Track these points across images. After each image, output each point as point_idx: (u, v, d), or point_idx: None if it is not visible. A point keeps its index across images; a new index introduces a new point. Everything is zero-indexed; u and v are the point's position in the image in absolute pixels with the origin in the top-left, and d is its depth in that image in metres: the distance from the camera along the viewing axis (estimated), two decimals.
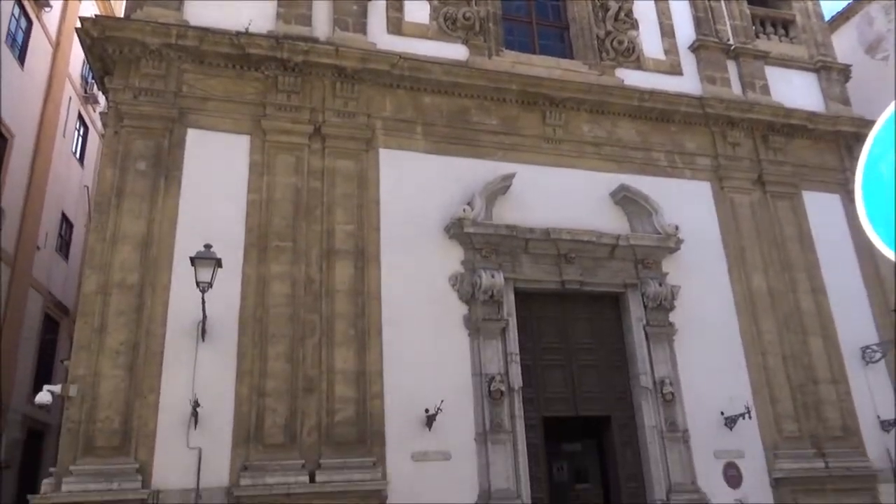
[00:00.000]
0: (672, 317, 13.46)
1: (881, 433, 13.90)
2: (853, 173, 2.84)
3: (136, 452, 10.15)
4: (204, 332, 10.91)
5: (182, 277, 10.95)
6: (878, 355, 14.39)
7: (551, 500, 12.54)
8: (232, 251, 11.35)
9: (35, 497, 9.69)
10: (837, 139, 16.31)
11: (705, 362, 13.33)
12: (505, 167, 13.33)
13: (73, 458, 9.89)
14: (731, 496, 12.68)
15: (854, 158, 15.42)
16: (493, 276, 12.29)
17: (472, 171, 13.15)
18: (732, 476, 12.79)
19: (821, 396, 13.79)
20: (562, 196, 13.64)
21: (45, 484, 9.81)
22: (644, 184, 14.21)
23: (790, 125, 15.83)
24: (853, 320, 14.70)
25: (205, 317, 10.77)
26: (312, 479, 10.57)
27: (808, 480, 13.01)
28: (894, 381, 14.43)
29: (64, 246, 20.35)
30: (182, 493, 10.13)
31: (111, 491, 9.72)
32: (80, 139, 22.11)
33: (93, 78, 17.07)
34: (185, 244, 11.13)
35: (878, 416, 13.98)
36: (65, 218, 20.31)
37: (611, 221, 13.86)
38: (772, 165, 15.50)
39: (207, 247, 10.45)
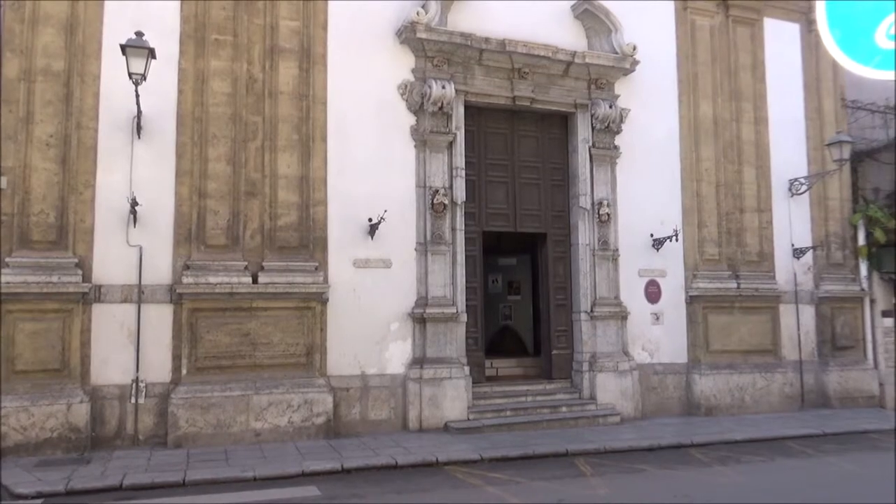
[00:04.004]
0: (618, 140, 13.56)
1: (792, 259, 14.95)
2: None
3: (74, 247, 10.08)
4: (139, 128, 10.46)
5: (112, 67, 10.30)
6: (804, 188, 15.07)
7: (484, 309, 13.31)
8: (166, 42, 10.63)
9: None
10: None
11: (643, 186, 13.72)
12: None
13: (9, 251, 9.77)
14: (649, 310, 13.73)
15: None
16: (443, 88, 11.93)
17: None
18: (652, 292, 13.75)
19: (744, 224, 14.55)
20: (521, 6, 12.97)
21: None
22: None
23: None
24: (787, 152, 15.15)
25: (139, 112, 10.27)
26: (255, 281, 10.83)
27: (719, 298, 14.10)
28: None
29: None
30: (124, 288, 10.27)
31: (51, 283, 9.76)
32: None
33: None
34: (115, 30, 10.32)
35: (793, 245, 14.95)
36: None
37: (569, 37, 13.37)
38: None
39: (139, 34, 9.69)
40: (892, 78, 2.36)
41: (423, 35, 11.88)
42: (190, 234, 10.70)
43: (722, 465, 9.89)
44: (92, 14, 10.45)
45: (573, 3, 13.41)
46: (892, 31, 2.29)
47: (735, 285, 14.22)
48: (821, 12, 2.70)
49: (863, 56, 2.44)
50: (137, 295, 10.30)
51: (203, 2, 11.02)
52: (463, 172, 12.36)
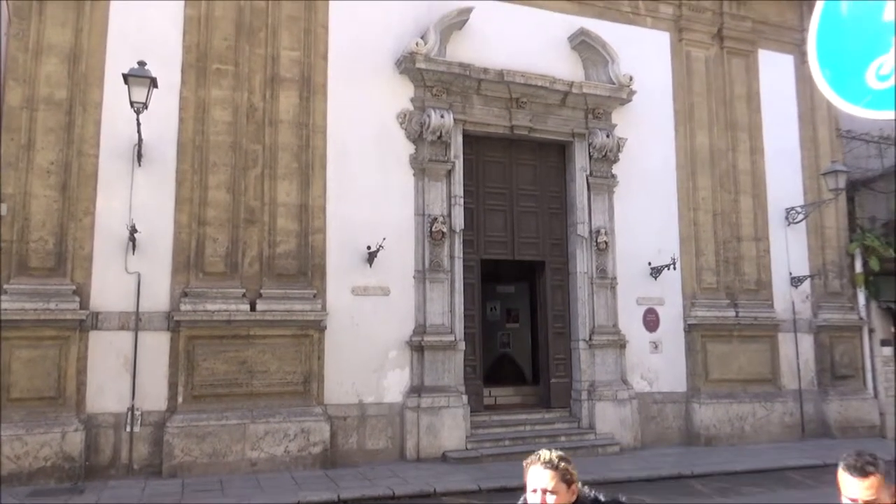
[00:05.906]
0: (615, 169, 13.66)
1: (790, 288, 14.96)
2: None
3: (72, 274, 10.08)
4: (140, 155, 10.52)
5: (114, 96, 10.36)
6: (801, 216, 15.12)
7: (483, 337, 13.28)
8: (168, 71, 10.74)
9: None
10: None
11: (640, 215, 13.78)
12: (463, 2, 12.61)
13: (8, 278, 9.77)
14: (647, 338, 13.70)
15: None
16: (442, 117, 12.04)
17: (428, 2, 12.42)
18: (651, 321, 13.73)
19: (742, 252, 14.59)
20: (519, 37, 13.15)
21: None
22: (603, 29, 13.76)
23: None
24: (783, 181, 15.25)
25: (140, 140, 10.33)
26: (253, 308, 10.81)
27: (718, 327, 14.07)
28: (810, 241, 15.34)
29: None
30: (121, 315, 10.25)
31: (49, 310, 9.74)
32: None
33: None
34: (117, 60, 10.42)
35: (790, 273, 14.97)
36: None
37: (566, 67, 13.53)
38: (733, 20, 15.15)
39: (141, 64, 9.79)
40: (882, 118, 2.39)
41: (422, 65, 12.01)
42: (188, 261, 10.71)
43: (722, 496, 9.80)
44: (95, 44, 10.58)
45: (570, 34, 13.59)
46: (883, 72, 2.33)
47: (733, 314, 14.21)
48: (811, 51, 2.74)
49: (853, 95, 2.47)
50: (135, 322, 10.27)
51: (205, 32, 11.16)
52: (461, 201, 12.43)
